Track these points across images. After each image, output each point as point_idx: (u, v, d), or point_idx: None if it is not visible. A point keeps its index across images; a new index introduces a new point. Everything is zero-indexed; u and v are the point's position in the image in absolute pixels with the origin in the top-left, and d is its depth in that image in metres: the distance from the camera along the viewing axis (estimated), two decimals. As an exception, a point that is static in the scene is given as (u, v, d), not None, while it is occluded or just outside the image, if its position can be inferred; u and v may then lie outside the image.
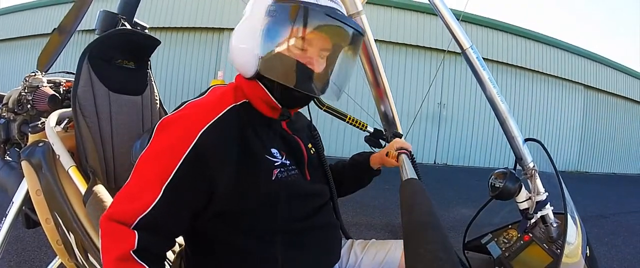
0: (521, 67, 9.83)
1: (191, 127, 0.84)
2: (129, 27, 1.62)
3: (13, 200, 1.47)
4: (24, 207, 1.49)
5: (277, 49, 0.89)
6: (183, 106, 0.91)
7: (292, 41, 0.89)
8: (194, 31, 9.38)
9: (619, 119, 11.54)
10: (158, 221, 0.80)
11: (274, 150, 0.95)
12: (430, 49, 9.20)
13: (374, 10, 8.79)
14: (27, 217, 1.53)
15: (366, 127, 1.52)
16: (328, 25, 0.91)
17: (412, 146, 1.25)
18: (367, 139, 1.51)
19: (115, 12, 1.64)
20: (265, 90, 0.94)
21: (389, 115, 1.56)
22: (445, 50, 8.25)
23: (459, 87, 9.29)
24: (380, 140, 1.50)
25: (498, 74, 9.71)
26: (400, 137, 1.46)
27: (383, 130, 1.56)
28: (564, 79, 10.30)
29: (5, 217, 1.48)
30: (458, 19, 1.23)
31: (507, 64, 9.69)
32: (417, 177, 0.96)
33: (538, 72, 10.01)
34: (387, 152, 1.28)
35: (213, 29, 9.26)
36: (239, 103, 0.94)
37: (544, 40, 9.99)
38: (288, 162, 0.97)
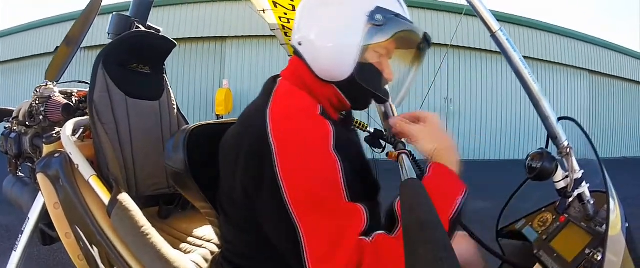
0: (525, 57, 9.73)
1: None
2: (143, 29, 1.58)
3: (28, 216, 1.42)
4: (39, 224, 1.44)
5: (377, 59, 0.91)
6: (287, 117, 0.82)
7: (389, 52, 0.93)
8: (197, 41, 9.43)
9: (626, 102, 11.51)
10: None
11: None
12: (433, 44, 9.13)
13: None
14: (43, 234, 1.50)
15: (366, 127, 1.54)
16: (419, 45, 1.00)
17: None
18: (367, 139, 1.51)
19: (128, 15, 1.61)
20: (341, 93, 0.92)
21: (389, 115, 1.57)
22: (448, 45, 8.23)
23: (465, 81, 9.28)
24: (380, 140, 1.50)
25: (502, 65, 9.63)
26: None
27: (383, 130, 1.56)
28: (569, 65, 10.29)
29: (21, 234, 1.42)
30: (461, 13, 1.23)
31: (510, 54, 9.63)
32: (417, 177, 0.95)
33: (542, 60, 9.98)
34: (387, 153, 1.33)
35: (216, 38, 9.33)
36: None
37: (546, 28, 10.00)
38: None
